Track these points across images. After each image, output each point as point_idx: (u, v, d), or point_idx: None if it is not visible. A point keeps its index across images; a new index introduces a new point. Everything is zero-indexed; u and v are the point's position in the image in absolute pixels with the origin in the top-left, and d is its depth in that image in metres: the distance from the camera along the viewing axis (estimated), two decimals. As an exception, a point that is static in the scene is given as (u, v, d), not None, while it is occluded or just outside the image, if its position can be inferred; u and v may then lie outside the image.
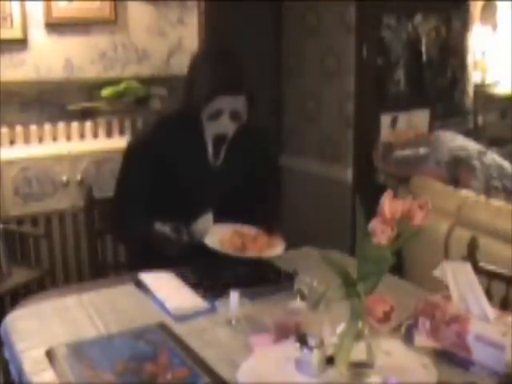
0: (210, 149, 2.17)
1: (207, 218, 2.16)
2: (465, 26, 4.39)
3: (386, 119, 3.97)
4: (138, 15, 3.62)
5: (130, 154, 2.24)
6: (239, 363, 1.54)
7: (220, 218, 2.16)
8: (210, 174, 2.21)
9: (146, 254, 2.18)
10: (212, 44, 2.31)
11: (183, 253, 2.08)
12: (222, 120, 2.11)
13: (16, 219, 3.22)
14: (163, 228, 2.08)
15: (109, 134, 3.54)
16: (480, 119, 4.77)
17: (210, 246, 2.01)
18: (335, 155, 4.00)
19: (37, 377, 1.55)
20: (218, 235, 2.08)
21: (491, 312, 1.60)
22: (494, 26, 4.92)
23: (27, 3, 3.30)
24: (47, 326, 1.80)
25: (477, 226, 2.77)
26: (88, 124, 3.48)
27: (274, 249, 2.07)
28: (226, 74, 2.09)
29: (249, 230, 2.14)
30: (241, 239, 2.06)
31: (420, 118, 4.16)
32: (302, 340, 1.46)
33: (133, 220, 2.18)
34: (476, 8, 4.63)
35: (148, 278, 2.07)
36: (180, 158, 2.18)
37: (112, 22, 3.53)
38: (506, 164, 3.45)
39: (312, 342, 1.45)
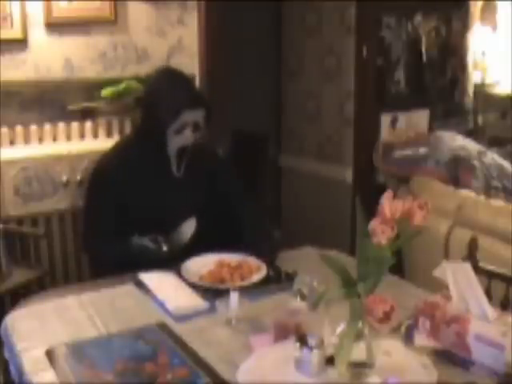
0: (174, 161, 2.31)
1: (190, 224, 2.24)
2: (465, 26, 4.39)
3: (386, 119, 3.97)
4: (138, 15, 3.62)
5: (94, 180, 2.37)
6: (239, 363, 1.54)
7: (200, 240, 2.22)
8: (175, 185, 2.33)
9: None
10: (165, 67, 2.56)
11: (165, 262, 2.12)
12: (186, 132, 2.26)
13: (16, 219, 3.22)
14: (141, 240, 2.16)
15: (109, 134, 3.54)
16: (480, 119, 4.77)
17: (188, 278, 2.04)
18: (335, 155, 4.00)
19: (37, 377, 1.55)
20: (199, 267, 2.11)
21: (491, 312, 1.60)
22: (494, 26, 4.91)
23: (27, 3, 3.29)
24: (47, 326, 1.80)
25: (477, 225, 2.77)
26: (88, 124, 3.48)
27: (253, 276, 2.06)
28: (187, 90, 2.29)
29: (230, 260, 2.14)
30: (221, 270, 2.07)
31: (420, 118, 4.16)
32: (302, 340, 1.46)
33: (106, 241, 2.27)
34: (476, 8, 4.62)
35: (148, 277, 2.08)
36: (144, 176, 2.29)
37: (112, 22, 3.53)
38: (506, 164, 3.45)
39: (312, 342, 1.45)
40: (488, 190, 3.25)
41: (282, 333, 1.62)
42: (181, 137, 2.26)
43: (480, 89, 4.79)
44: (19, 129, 3.33)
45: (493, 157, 3.48)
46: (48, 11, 3.34)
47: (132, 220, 2.25)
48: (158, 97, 2.29)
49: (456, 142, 3.61)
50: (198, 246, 2.19)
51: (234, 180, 2.53)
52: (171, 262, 2.13)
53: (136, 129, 2.67)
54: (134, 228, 2.22)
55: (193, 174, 2.37)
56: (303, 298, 1.73)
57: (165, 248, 2.13)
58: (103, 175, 2.34)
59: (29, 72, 3.37)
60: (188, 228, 2.25)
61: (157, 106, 2.27)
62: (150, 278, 2.07)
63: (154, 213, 2.27)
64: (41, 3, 3.33)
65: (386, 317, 1.39)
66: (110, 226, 2.26)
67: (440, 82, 4.30)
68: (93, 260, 2.58)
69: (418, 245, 2.76)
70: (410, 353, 1.57)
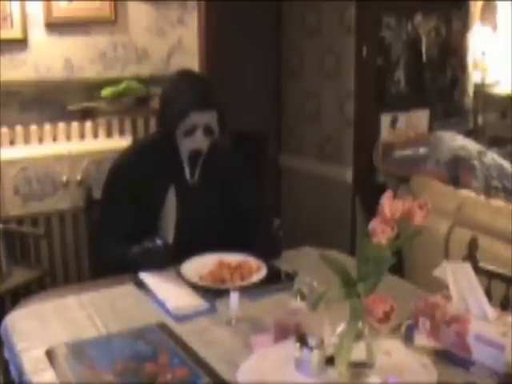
0: (187, 166, 2.27)
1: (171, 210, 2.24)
2: (465, 26, 4.39)
3: (386, 119, 3.97)
4: (138, 15, 3.62)
5: (110, 180, 2.35)
6: (239, 363, 1.54)
7: (209, 244, 2.20)
8: (187, 191, 2.29)
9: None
10: (182, 70, 2.51)
11: (166, 259, 2.12)
12: (197, 135, 2.22)
13: (16, 219, 3.22)
14: (140, 246, 2.13)
15: (109, 134, 3.54)
16: (480, 119, 4.77)
17: (188, 278, 2.04)
18: (335, 155, 4.00)
19: (37, 377, 1.55)
20: (199, 267, 2.11)
21: (491, 312, 1.60)
22: (494, 26, 4.91)
23: (27, 3, 3.29)
24: (47, 326, 1.80)
25: (477, 225, 2.77)
26: (88, 124, 3.48)
27: (253, 276, 2.06)
28: (197, 91, 2.23)
29: (230, 261, 2.14)
30: (221, 271, 2.07)
31: (420, 118, 4.16)
32: (302, 340, 1.46)
33: (108, 246, 2.26)
34: (476, 8, 4.62)
35: (148, 277, 2.08)
36: (158, 181, 2.27)
37: (112, 22, 3.53)
38: (506, 164, 3.45)
39: (312, 342, 1.45)
40: (488, 190, 3.25)
41: (282, 333, 1.62)
42: (191, 140, 2.22)
43: (480, 89, 4.79)
44: (19, 129, 3.33)
45: (493, 157, 3.48)
46: (48, 11, 3.34)
47: (144, 220, 2.23)
48: (168, 98, 2.27)
49: (456, 142, 3.61)
50: (201, 246, 2.19)
51: (249, 191, 2.48)
52: (170, 260, 2.12)
53: (153, 133, 2.68)
54: (145, 229, 2.20)
55: (207, 182, 2.33)
56: (303, 298, 1.73)
57: (159, 242, 2.12)
58: (120, 174, 2.33)
59: (29, 72, 3.37)
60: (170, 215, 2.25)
61: (166, 106, 2.26)
62: (150, 278, 2.07)
63: (163, 215, 2.27)
64: (41, 3, 3.33)
65: (386, 317, 1.39)
66: (118, 230, 2.23)
67: (440, 81, 4.30)
68: (94, 261, 2.58)
69: (417, 245, 2.76)
70: (409, 353, 1.57)
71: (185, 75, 2.36)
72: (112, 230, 2.26)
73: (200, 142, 2.23)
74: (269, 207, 2.58)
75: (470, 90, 4.53)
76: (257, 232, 2.26)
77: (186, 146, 2.23)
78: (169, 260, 2.12)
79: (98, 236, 2.39)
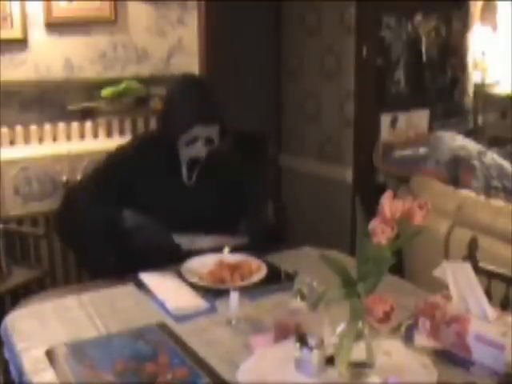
0: (185, 170, 2.31)
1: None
2: (465, 26, 4.39)
3: (386, 119, 3.97)
4: (138, 15, 3.62)
5: (103, 165, 2.36)
6: (239, 363, 1.54)
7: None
8: (184, 192, 2.33)
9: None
10: (187, 76, 2.56)
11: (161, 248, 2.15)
12: (197, 145, 2.26)
13: (16, 219, 3.22)
14: (136, 217, 2.15)
15: (109, 134, 3.54)
16: (480, 119, 4.77)
17: (188, 278, 2.05)
18: (335, 155, 4.00)
19: (37, 377, 1.55)
20: (199, 267, 2.11)
21: (491, 312, 1.60)
22: (494, 26, 4.91)
23: (27, 3, 3.29)
24: (47, 326, 1.81)
25: (477, 225, 2.77)
26: (88, 124, 3.48)
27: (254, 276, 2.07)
28: (202, 105, 2.25)
29: (230, 261, 2.14)
30: (221, 271, 2.07)
31: (420, 118, 4.16)
32: (302, 340, 1.46)
33: (88, 199, 2.23)
34: (476, 8, 4.62)
35: (148, 277, 2.08)
36: (155, 176, 2.30)
37: (112, 22, 3.53)
38: (506, 164, 3.45)
39: (312, 342, 1.45)
40: (488, 190, 3.25)
41: (282, 333, 1.62)
42: (192, 148, 2.26)
43: (480, 89, 4.79)
44: (19, 129, 3.33)
45: (493, 157, 3.48)
46: (48, 11, 3.34)
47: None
48: (171, 108, 2.30)
49: (456, 142, 3.61)
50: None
51: (247, 179, 2.52)
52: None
53: (153, 131, 2.73)
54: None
55: (204, 183, 2.35)
56: (303, 298, 1.73)
57: (173, 241, 2.14)
58: (115, 163, 2.35)
59: (29, 72, 3.37)
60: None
61: (169, 116, 2.28)
62: (150, 278, 2.07)
63: (160, 214, 2.26)
64: (41, 3, 3.33)
65: (386, 317, 1.39)
66: (106, 191, 2.24)
67: (440, 81, 4.30)
68: (62, 228, 2.44)
69: (417, 245, 2.76)
70: (409, 353, 1.57)
71: (191, 85, 2.36)
72: (96, 187, 2.26)
73: (200, 151, 2.27)
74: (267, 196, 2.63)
75: (470, 90, 4.53)
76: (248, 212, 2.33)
77: (186, 153, 2.27)
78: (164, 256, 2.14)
79: (73, 195, 2.36)
